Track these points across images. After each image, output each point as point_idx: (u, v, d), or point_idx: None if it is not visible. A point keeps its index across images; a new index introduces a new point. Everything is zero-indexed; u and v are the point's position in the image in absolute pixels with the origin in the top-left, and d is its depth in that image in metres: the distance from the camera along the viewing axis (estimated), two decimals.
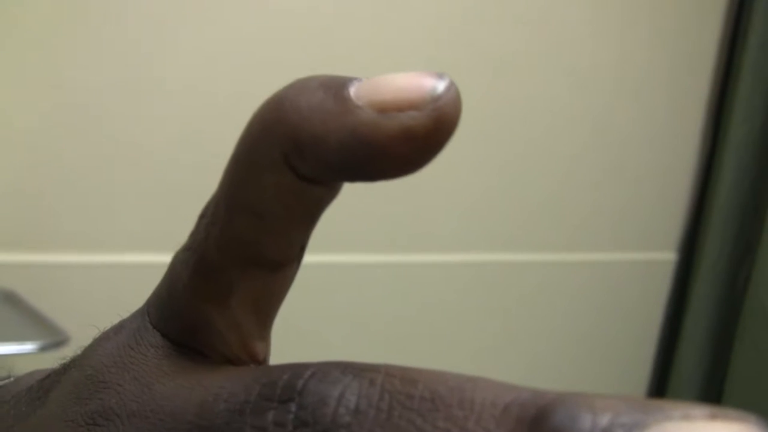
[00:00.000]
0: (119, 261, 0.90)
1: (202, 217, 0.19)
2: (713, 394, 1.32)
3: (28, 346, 0.64)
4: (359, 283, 1.08)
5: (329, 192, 0.18)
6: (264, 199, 0.18)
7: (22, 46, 0.83)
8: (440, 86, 0.17)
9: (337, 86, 0.17)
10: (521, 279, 1.20)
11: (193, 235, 0.19)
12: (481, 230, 1.15)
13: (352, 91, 0.17)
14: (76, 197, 0.88)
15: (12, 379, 0.24)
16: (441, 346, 1.17)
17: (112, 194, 0.90)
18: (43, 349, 0.64)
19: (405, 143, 0.16)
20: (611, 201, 1.24)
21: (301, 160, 0.17)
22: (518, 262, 1.19)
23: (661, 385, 1.35)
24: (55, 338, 0.66)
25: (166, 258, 0.20)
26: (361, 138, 0.16)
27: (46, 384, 0.20)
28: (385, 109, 0.16)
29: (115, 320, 0.21)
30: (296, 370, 0.16)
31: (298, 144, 0.17)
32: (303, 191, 0.18)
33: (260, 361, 0.20)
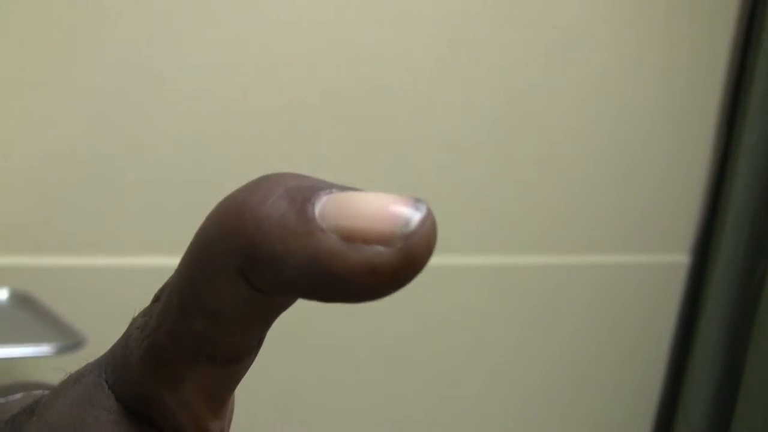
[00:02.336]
0: (135, 264, 0.91)
1: (155, 300, 0.19)
2: (728, 397, 1.31)
3: (44, 348, 0.64)
4: None
5: (288, 300, 0.18)
6: (218, 303, 0.17)
7: (33, 48, 0.84)
8: (414, 219, 0.15)
9: (302, 199, 0.16)
10: (532, 282, 1.20)
11: (146, 316, 0.19)
12: (490, 233, 1.15)
13: (318, 208, 0.16)
14: (92, 200, 0.89)
15: (11, 397, 0.24)
16: (452, 350, 1.17)
17: (128, 197, 0.91)
18: (59, 351, 0.64)
19: (368, 277, 0.15)
20: (623, 203, 1.24)
21: (256, 275, 0.16)
22: (529, 265, 1.19)
23: (676, 389, 1.34)
24: (71, 340, 0.66)
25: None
26: (321, 265, 0.15)
27: (16, 425, 0.21)
28: (350, 237, 0.15)
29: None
30: None
31: (254, 260, 0.16)
32: (260, 301, 0.17)
33: None
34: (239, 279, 0.16)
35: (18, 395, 0.24)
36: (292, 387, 1.05)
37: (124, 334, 0.19)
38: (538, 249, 1.19)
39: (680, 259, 1.31)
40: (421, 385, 1.15)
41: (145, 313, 0.19)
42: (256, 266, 0.16)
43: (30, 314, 0.75)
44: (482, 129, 1.11)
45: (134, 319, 0.19)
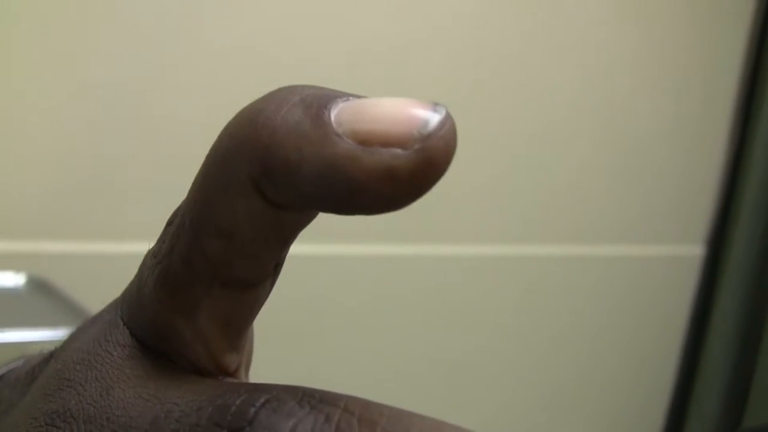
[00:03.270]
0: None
1: (168, 224, 0.18)
2: (741, 390, 1.31)
3: (61, 333, 0.65)
4: (370, 275, 1.08)
5: (305, 216, 0.17)
6: (232, 221, 0.16)
7: (48, 46, 0.84)
8: (433, 121, 0.15)
9: (318, 106, 0.15)
10: (544, 273, 1.20)
11: (159, 242, 0.18)
12: (502, 223, 1.15)
13: (334, 114, 0.15)
14: (109, 186, 0.89)
15: (22, 361, 0.24)
16: (460, 342, 1.17)
17: (147, 184, 0.91)
18: None
19: (386, 183, 0.14)
20: (638, 194, 1.23)
21: (270, 186, 0.15)
22: (541, 256, 1.19)
23: (689, 381, 1.34)
24: None
25: None
26: (337, 172, 0.15)
27: (36, 371, 0.20)
28: (367, 141, 0.15)
29: None
30: (251, 395, 0.15)
31: (268, 169, 0.15)
32: (275, 216, 0.16)
33: (230, 372, 0.19)
34: (253, 191, 0.16)
35: (20, 361, 0.24)
36: (296, 381, 1.06)
37: (138, 272, 0.19)
38: (551, 240, 1.19)
39: (695, 250, 1.30)
40: (427, 378, 1.16)
41: (159, 239, 0.18)
42: (270, 176, 0.15)
43: (47, 299, 0.75)
44: (494, 118, 1.10)
45: (146, 255, 0.19)
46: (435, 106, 0.15)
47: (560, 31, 1.12)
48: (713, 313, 1.30)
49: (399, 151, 0.14)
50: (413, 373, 1.14)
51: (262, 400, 0.15)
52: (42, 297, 0.76)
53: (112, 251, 0.91)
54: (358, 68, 1.00)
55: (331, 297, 1.04)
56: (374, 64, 1.01)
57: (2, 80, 0.83)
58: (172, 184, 0.93)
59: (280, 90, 0.16)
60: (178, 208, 0.18)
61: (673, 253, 1.29)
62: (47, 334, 0.65)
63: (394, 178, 0.14)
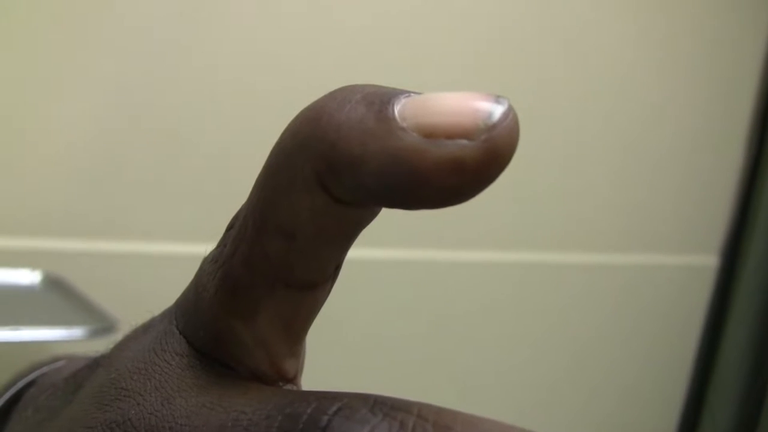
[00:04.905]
0: (168, 250, 0.92)
1: (229, 228, 0.18)
2: (755, 402, 1.30)
3: (77, 332, 0.65)
4: (391, 280, 1.08)
5: (368, 214, 0.17)
6: (295, 219, 0.16)
7: (60, 45, 0.85)
8: (497, 112, 0.15)
9: (381, 102, 0.15)
10: (556, 280, 1.20)
11: (220, 246, 0.18)
12: (513, 230, 1.15)
13: (398, 109, 0.15)
14: (125, 185, 0.90)
15: (54, 365, 0.24)
16: (470, 349, 1.17)
17: (163, 183, 0.92)
18: (92, 334, 0.65)
19: (452, 174, 0.15)
20: (651, 202, 1.23)
21: (335, 182, 0.16)
22: (553, 264, 1.19)
23: (701, 393, 1.33)
24: (104, 324, 0.67)
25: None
26: (403, 164, 0.15)
27: (78, 379, 0.20)
28: (432, 134, 0.15)
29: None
30: (322, 403, 0.15)
31: (332, 164, 0.15)
32: (338, 213, 0.16)
33: (289, 378, 0.19)
34: (317, 188, 0.16)
35: (61, 362, 0.24)
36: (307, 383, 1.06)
37: (194, 279, 0.19)
38: (563, 247, 1.19)
39: (709, 260, 1.30)
40: (440, 384, 1.15)
41: (218, 244, 0.18)
42: (334, 171, 0.15)
43: (62, 298, 0.76)
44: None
45: (204, 261, 0.19)
46: (497, 98, 0.15)
47: (576, 39, 1.11)
48: (727, 324, 1.29)
49: (465, 142, 0.15)
50: (423, 382, 1.14)
51: (334, 408, 0.14)
52: (58, 295, 0.76)
53: (129, 250, 0.91)
54: (362, 68, 1.00)
55: (334, 302, 1.04)
56: (375, 67, 1.01)
57: (21, 77, 0.83)
58: (190, 184, 0.93)
59: (341, 89, 0.16)
60: (239, 212, 0.18)
61: (688, 263, 1.28)
62: (63, 333, 0.66)
63: (460, 169, 0.15)
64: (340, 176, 0.15)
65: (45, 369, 0.24)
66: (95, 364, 0.20)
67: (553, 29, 1.10)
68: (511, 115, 0.15)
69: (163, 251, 0.92)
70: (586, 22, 1.11)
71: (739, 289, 1.27)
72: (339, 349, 1.07)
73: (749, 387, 1.31)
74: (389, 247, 1.06)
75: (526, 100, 1.10)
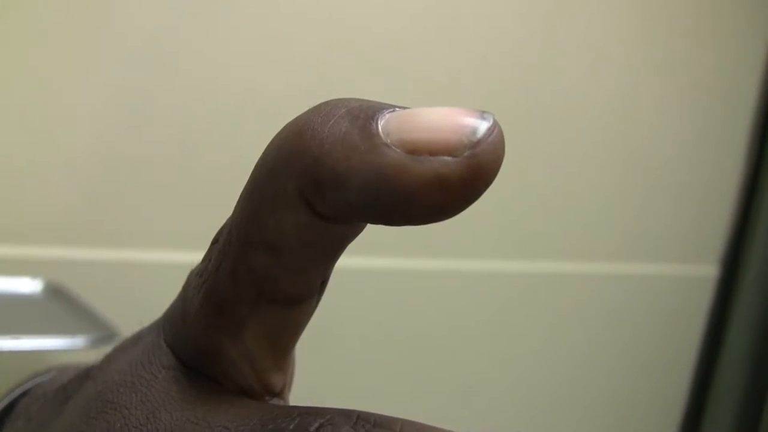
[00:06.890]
0: (169, 258, 0.92)
1: (214, 242, 0.18)
2: (754, 413, 1.30)
3: (78, 341, 0.65)
4: (387, 290, 1.08)
5: (353, 229, 0.17)
6: (279, 235, 0.16)
7: (66, 48, 0.85)
8: (481, 128, 0.15)
9: (365, 117, 0.15)
10: (555, 290, 1.20)
11: (205, 260, 0.18)
12: (512, 239, 1.15)
13: (381, 124, 0.15)
14: (127, 194, 0.90)
15: (48, 375, 0.24)
16: (471, 358, 1.17)
17: (166, 192, 0.92)
18: (93, 343, 0.65)
19: (435, 191, 0.14)
20: (650, 211, 1.23)
21: (319, 198, 0.15)
22: (552, 273, 1.19)
23: (701, 403, 1.33)
24: (105, 332, 0.67)
25: None
26: (386, 181, 0.14)
27: (68, 390, 0.20)
28: (415, 150, 0.14)
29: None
30: (304, 419, 0.15)
31: (316, 180, 0.15)
32: (323, 229, 0.16)
33: (276, 392, 0.19)
34: (301, 204, 0.16)
35: (52, 373, 0.24)
36: (308, 390, 1.06)
37: (181, 292, 0.19)
38: (562, 256, 1.19)
39: (709, 270, 1.30)
40: (438, 394, 1.15)
41: (204, 258, 0.18)
42: (318, 187, 0.15)
43: (64, 306, 0.75)
44: (509, 134, 1.10)
45: (190, 275, 0.19)
46: (482, 113, 0.15)
47: (576, 49, 1.12)
48: (727, 335, 1.29)
49: (448, 158, 0.14)
50: (419, 393, 1.14)
51: (316, 425, 0.14)
52: (59, 304, 0.76)
53: (130, 259, 0.91)
54: (363, 74, 1.00)
55: (335, 311, 1.04)
56: (375, 70, 1.01)
57: (22, 86, 0.84)
58: (193, 193, 0.93)
59: (326, 103, 0.16)
60: (224, 226, 0.18)
61: (688, 272, 1.28)
62: (64, 342, 0.65)
63: (444, 185, 0.14)
64: (323, 192, 0.15)
65: (38, 379, 0.24)
66: (85, 375, 0.20)
67: (553, 37, 1.10)
68: (495, 131, 0.15)
69: (165, 260, 0.92)
70: (585, 30, 1.12)
71: (739, 299, 1.27)
72: (335, 360, 1.07)
73: (749, 397, 1.30)
74: (386, 256, 1.06)
75: (525, 109, 1.11)
